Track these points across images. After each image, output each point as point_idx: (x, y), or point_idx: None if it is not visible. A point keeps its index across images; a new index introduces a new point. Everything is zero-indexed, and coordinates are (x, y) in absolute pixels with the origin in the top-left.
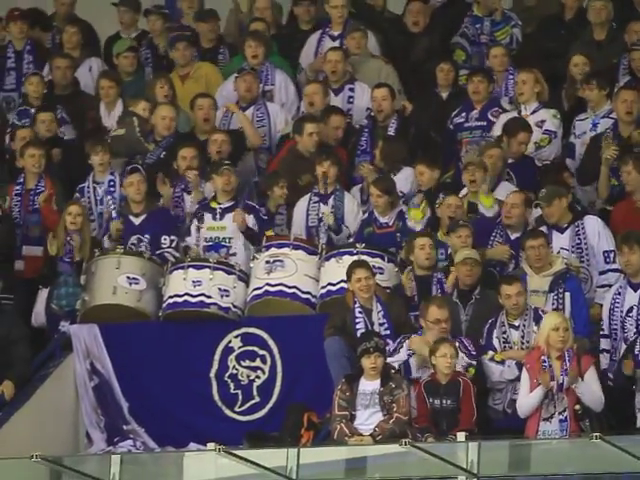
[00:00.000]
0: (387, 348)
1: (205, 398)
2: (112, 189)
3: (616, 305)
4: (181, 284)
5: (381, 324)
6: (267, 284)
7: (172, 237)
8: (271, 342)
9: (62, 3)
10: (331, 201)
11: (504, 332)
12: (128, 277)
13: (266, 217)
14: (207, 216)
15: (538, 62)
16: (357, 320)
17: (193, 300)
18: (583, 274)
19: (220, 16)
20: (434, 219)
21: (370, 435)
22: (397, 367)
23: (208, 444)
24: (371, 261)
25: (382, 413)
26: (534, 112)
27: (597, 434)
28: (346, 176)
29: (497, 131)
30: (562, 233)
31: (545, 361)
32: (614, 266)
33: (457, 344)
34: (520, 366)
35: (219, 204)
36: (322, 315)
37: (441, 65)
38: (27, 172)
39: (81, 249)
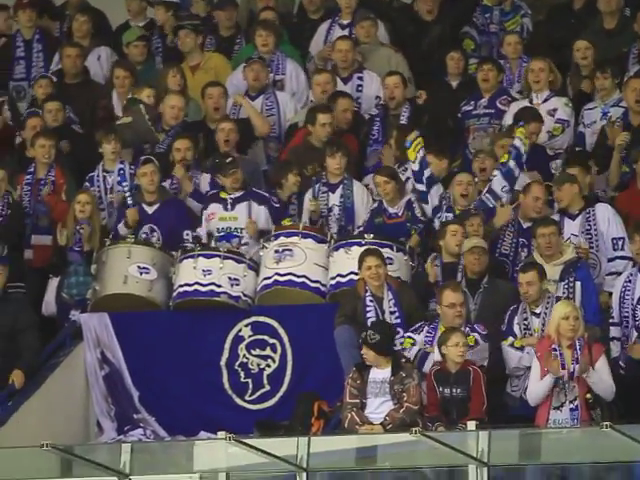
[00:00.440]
0: (397, 336)
1: (215, 387)
2: (122, 177)
3: (627, 293)
4: (191, 273)
5: (392, 312)
6: (276, 274)
7: (191, 230)
8: (281, 331)
9: None
10: (340, 190)
11: (525, 319)
12: (139, 266)
13: (278, 205)
14: (217, 207)
15: (547, 51)
16: (368, 308)
17: (203, 289)
18: (592, 259)
19: None
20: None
21: (380, 424)
22: (411, 356)
23: (218, 433)
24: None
25: (392, 402)
26: (546, 100)
27: (608, 423)
28: (356, 165)
29: (508, 120)
30: (573, 220)
31: (556, 349)
32: (622, 253)
33: (467, 329)
34: None
35: (229, 194)
36: (332, 304)
37: (451, 54)
38: (37, 162)
39: (91, 239)
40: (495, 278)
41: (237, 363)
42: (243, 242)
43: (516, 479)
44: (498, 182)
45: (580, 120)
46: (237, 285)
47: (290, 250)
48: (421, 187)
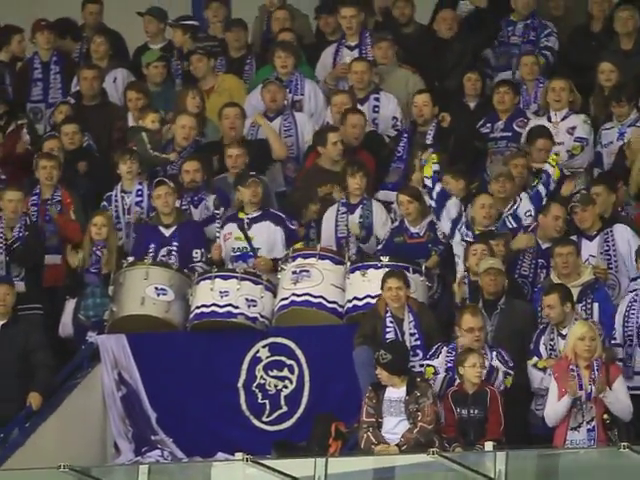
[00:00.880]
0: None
1: (233, 408)
2: (140, 198)
3: (632, 312)
4: (208, 294)
5: (412, 334)
6: (293, 294)
7: (202, 250)
8: (298, 352)
9: (90, 12)
10: (359, 211)
11: (552, 339)
12: (156, 288)
13: (294, 227)
14: (234, 226)
15: (568, 73)
16: (388, 329)
17: (220, 310)
18: (611, 280)
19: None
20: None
21: (396, 445)
22: (437, 386)
23: (236, 454)
24: None
25: (408, 422)
26: (564, 118)
27: (625, 443)
28: (375, 181)
29: (524, 140)
30: (591, 241)
31: (573, 370)
32: None
33: (495, 354)
34: None
35: (246, 214)
36: (349, 325)
37: (468, 75)
38: (41, 183)
39: (107, 261)
40: (513, 299)
41: (254, 384)
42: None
43: None
44: (524, 206)
45: (598, 140)
46: (254, 306)
47: (307, 271)
48: (432, 203)
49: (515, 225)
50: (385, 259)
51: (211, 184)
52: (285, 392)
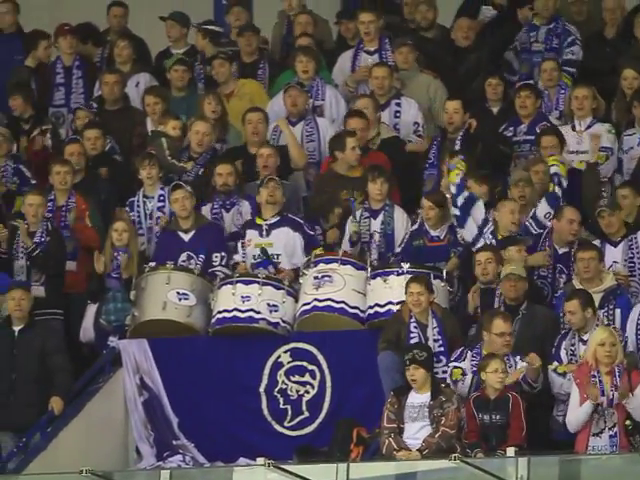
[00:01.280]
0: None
1: (254, 413)
2: (162, 203)
3: None
4: (230, 299)
5: (435, 340)
6: (315, 299)
7: (222, 254)
8: (320, 357)
9: (114, 15)
10: (381, 217)
11: (572, 345)
12: (178, 292)
13: (312, 232)
14: (254, 233)
15: (586, 79)
16: (412, 335)
17: (242, 315)
18: (634, 287)
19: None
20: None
21: (417, 450)
22: (465, 387)
23: (257, 459)
24: None
25: (431, 427)
26: (589, 127)
27: None
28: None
29: None
30: (615, 247)
31: (595, 376)
32: None
33: (518, 357)
34: None
35: (265, 220)
36: (371, 331)
37: (489, 80)
38: (55, 189)
39: (128, 266)
40: (534, 304)
41: (276, 389)
42: (279, 268)
43: None
44: (542, 208)
45: (620, 146)
46: (276, 311)
47: (329, 276)
48: (456, 211)
49: (537, 229)
50: (406, 265)
51: (243, 189)
52: (307, 397)
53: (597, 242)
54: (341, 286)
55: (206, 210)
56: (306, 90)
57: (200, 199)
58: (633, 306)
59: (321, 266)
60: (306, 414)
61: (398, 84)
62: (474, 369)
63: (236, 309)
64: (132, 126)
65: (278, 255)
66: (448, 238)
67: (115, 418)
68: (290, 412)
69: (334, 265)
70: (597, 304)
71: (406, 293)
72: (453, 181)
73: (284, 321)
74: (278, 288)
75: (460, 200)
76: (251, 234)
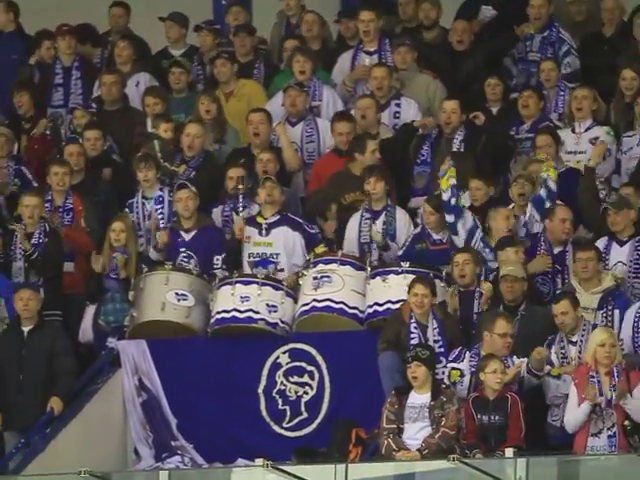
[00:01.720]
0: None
1: (253, 414)
2: (160, 205)
3: None
4: (229, 300)
5: (436, 341)
6: (314, 300)
7: (223, 256)
8: (319, 358)
9: (115, 16)
10: (382, 217)
11: (562, 348)
12: (176, 293)
13: (312, 231)
14: (253, 231)
15: (584, 78)
16: (412, 335)
17: (241, 316)
18: (638, 289)
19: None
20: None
21: (417, 450)
22: (464, 388)
23: (256, 460)
24: None
25: (431, 427)
26: (588, 129)
27: None
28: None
29: None
30: (621, 246)
31: (593, 377)
32: None
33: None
34: None
35: (265, 219)
36: (370, 331)
37: (488, 80)
38: (53, 190)
39: (127, 266)
40: (533, 305)
41: (275, 390)
42: (279, 268)
43: None
44: (528, 211)
45: (619, 147)
46: (275, 312)
47: (328, 277)
48: (449, 218)
49: (525, 234)
50: (405, 264)
51: (255, 192)
52: (305, 398)
53: (602, 240)
54: (340, 287)
55: (217, 213)
56: (306, 91)
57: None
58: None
59: (320, 266)
60: (305, 415)
61: (397, 84)
62: (473, 370)
63: (235, 309)
64: (131, 126)
65: (277, 255)
66: (450, 241)
67: (114, 419)
68: (289, 413)
69: (333, 266)
70: (596, 305)
71: (409, 293)
72: (445, 186)
73: (283, 321)
74: (277, 288)
75: (452, 206)
76: (250, 231)
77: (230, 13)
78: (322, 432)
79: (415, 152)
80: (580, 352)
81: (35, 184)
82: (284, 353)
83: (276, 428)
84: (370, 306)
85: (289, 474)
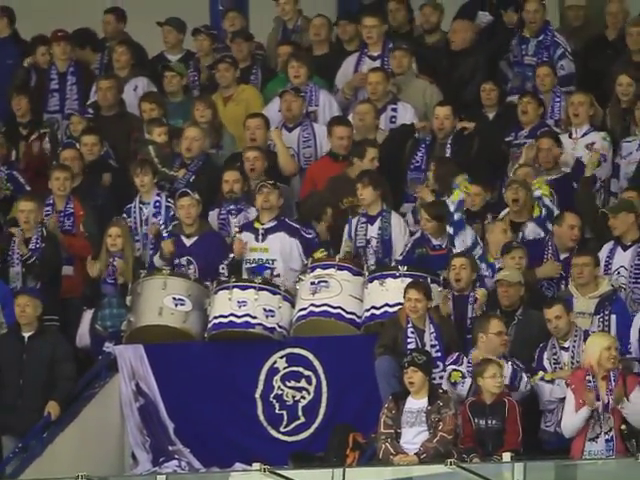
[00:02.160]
0: (437, 369)
1: (250, 418)
2: (157, 210)
3: None
4: (226, 304)
5: (432, 346)
6: (312, 304)
7: (227, 262)
8: (316, 363)
9: (107, 22)
10: (378, 222)
11: (554, 353)
12: (174, 298)
13: (309, 236)
14: (250, 236)
15: (585, 83)
16: (409, 340)
17: (238, 320)
18: (639, 294)
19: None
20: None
21: (415, 454)
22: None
23: (253, 464)
24: None
25: (428, 432)
26: (584, 135)
27: None
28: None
29: None
30: (625, 250)
31: (590, 381)
32: None
33: (509, 363)
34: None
35: (262, 224)
36: (367, 336)
37: (483, 85)
38: (54, 194)
39: (123, 272)
40: (530, 309)
41: (272, 395)
42: (275, 274)
43: None
44: (530, 230)
45: (618, 152)
46: (272, 316)
47: (326, 282)
48: (450, 230)
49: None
50: (403, 268)
51: (252, 196)
52: (303, 403)
53: (608, 245)
54: (338, 292)
55: (213, 216)
56: (302, 95)
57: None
58: (635, 312)
59: (318, 271)
60: (302, 419)
61: (394, 89)
62: (471, 375)
63: (232, 314)
64: (128, 132)
65: (273, 260)
66: (449, 247)
67: (111, 423)
68: (286, 417)
69: (331, 271)
70: (593, 309)
71: (404, 298)
72: (454, 200)
73: (280, 326)
74: (274, 293)
75: (455, 217)
76: (247, 237)
77: (227, 19)
78: (319, 436)
79: (410, 156)
80: (573, 358)
81: (28, 188)
82: (281, 358)
83: (273, 433)
84: (367, 310)
85: (286, 479)
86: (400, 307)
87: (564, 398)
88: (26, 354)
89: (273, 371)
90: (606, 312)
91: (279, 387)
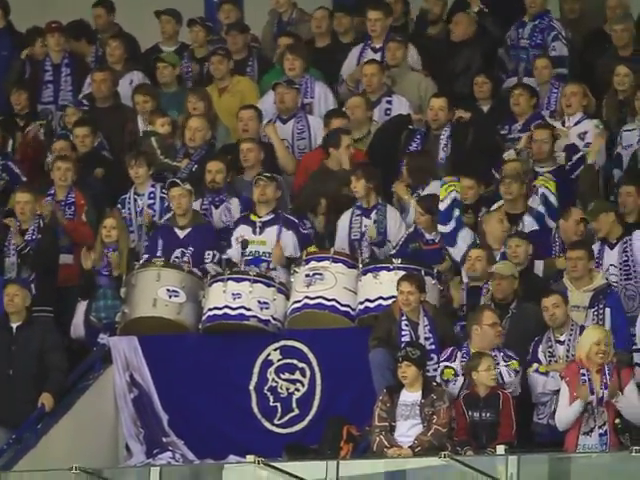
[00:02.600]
0: (431, 362)
1: (244, 411)
2: (152, 201)
3: None
4: (221, 296)
5: (427, 338)
6: (306, 297)
7: (215, 252)
8: (310, 355)
9: (96, 15)
10: (373, 215)
11: (550, 346)
12: (168, 289)
13: (306, 231)
14: (247, 229)
15: (583, 74)
16: (403, 333)
17: (233, 312)
18: (631, 291)
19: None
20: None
21: (409, 447)
22: (457, 388)
23: (247, 456)
24: None
25: (422, 425)
26: (577, 123)
27: (637, 447)
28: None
29: None
30: (612, 249)
31: (584, 374)
32: None
33: (502, 355)
34: None
35: (259, 217)
36: (361, 328)
37: (476, 78)
38: (55, 184)
39: (118, 263)
40: (525, 302)
41: (266, 387)
42: (272, 266)
43: None
44: (528, 225)
45: (619, 141)
46: (267, 309)
47: (320, 274)
48: (444, 229)
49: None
50: (397, 261)
51: (234, 187)
52: (297, 395)
53: (596, 245)
54: (332, 284)
55: (196, 206)
56: (296, 87)
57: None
58: (635, 310)
59: (312, 264)
60: (296, 412)
61: (389, 81)
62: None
63: (227, 306)
64: (123, 123)
65: (270, 253)
66: (442, 240)
67: (105, 415)
68: (280, 410)
69: (325, 263)
70: (587, 303)
71: (397, 291)
72: (444, 196)
73: (275, 318)
74: (269, 285)
75: (451, 221)
76: (244, 230)
77: (222, 11)
78: (313, 429)
79: (404, 146)
80: (568, 351)
81: (24, 178)
82: (275, 350)
83: (267, 425)
84: (361, 302)
85: (280, 471)
86: (394, 300)
87: (558, 390)
88: (14, 345)
89: (267, 363)
90: (600, 305)
91: (273, 379)
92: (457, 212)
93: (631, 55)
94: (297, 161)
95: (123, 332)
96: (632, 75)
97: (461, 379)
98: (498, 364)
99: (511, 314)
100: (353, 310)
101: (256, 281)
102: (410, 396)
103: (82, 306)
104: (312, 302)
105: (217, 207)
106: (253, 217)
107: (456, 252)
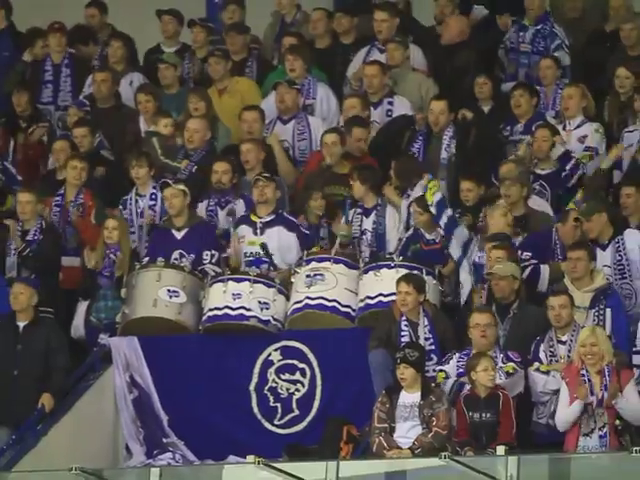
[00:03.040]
0: (430, 363)
1: (244, 411)
2: (154, 202)
3: None
4: (221, 297)
5: (426, 339)
6: (307, 297)
7: (213, 252)
8: (311, 355)
9: (88, 15)
10: (373, 215)
11: (551, 346)
12: (168, 290)
13: (308, 231)
14: (247, 229)
15: (586, 75)
16: (403, 333)
17: (233, 313)
18: (627, 290)
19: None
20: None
21: (409, 449)
22: (447, 389)
23: (247, 457)
24: None
25: (421, 426)
26: (578, 127)
27: (637, 448)
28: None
29: None
30: (604, 250)
31: (584, 375)
32: None
33: (502, 356)
34: None
35: (260, 218)
36: (362, 329)
37: (476, 79)
38: (68, 184)
39: (120, 264)
40: (527, 304)
41: (266, 387)
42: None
43: None
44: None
45: (620, 143)
46: (267, 309)
47: (321, 275)
48: (440, 231)
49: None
50: (398, 259)
51: (239, 188)
52: (297, 395)
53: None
54: (333, 285)
55: (202, 207)
56: (297, 88)
57: (196, 197)
58: (632, 309)
59: (313, 264)
60: (296, 412)
61: (390, 82)
62: (460, 371)
63: (227, 307)
64: (124, 124)
65: (271, 255)
66: (443, 241)
67: (105, 416)
68: (280, 410)
69: (326, 264)
70: (588, 304)
71: (396, 291)
72: (431, 201)
73: (275, 319)
74: (269, 286)
75: (443, 220)
76: (245, 230)
77: (227, 11)
78: (313, 429)
79: (407, 147)
80: (569, 351)
81: (19, 178)
82: (276, 350)
83: (267, 425)
84: (362, 300)
85: (280, 471)
86: (394, 300)
87: (558, 390)
88: (21, 344)
89: (267, 364)
90: (601, 306)
91: (273, 380)
92: (449, 211)
93: None
94: (297, 163)
95: (123, 332)
96: (633, 77)
97: (451, 381)
98: (497, 365)
99: (512, 315)
100: (354, 311)
101: (256, 281)
102: (409, 397)
103: (82, 306)
104: (313, 302)
105: (223, 208)
106: (254, 218)
107: (453, 253)
